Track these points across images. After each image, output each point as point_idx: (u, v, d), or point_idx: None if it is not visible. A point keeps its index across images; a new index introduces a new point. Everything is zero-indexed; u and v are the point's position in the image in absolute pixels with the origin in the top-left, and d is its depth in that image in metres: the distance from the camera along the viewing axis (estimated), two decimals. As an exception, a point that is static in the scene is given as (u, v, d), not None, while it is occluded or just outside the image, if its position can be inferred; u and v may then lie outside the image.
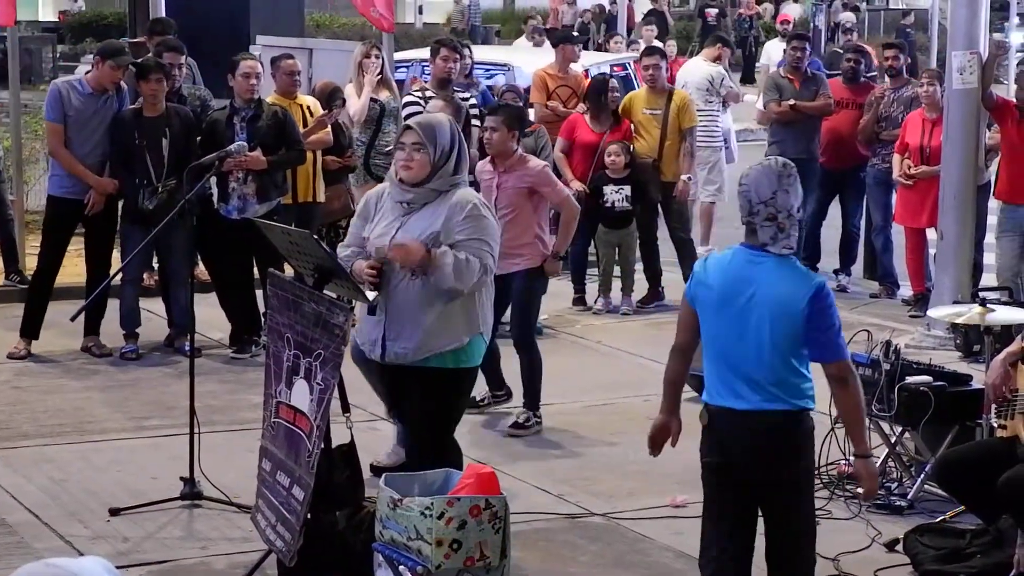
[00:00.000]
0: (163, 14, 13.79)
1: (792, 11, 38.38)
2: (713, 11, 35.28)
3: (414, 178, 6.83)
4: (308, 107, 11.51)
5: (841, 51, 18.80)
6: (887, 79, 13.66)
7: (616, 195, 12.39)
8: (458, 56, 11.81)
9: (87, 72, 11.01)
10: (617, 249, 12.60)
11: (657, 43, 18.72)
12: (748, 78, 30.14)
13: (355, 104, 11.97)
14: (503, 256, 8.26)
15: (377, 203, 7.02)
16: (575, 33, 16.36)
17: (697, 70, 15.24)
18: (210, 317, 10.93)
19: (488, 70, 14.81)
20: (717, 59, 15.32)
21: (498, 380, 9.75)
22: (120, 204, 10.97)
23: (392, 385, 7.11)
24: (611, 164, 12.35)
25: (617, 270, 12.68)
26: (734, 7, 39.35)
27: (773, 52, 20.74)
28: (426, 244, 6.72)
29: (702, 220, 15.05)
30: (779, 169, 5.75)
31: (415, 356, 6.83)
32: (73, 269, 11.28)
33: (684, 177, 12.74)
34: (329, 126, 11.48)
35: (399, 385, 7.03)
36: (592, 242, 12.72)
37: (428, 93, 11.23)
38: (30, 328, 10.83)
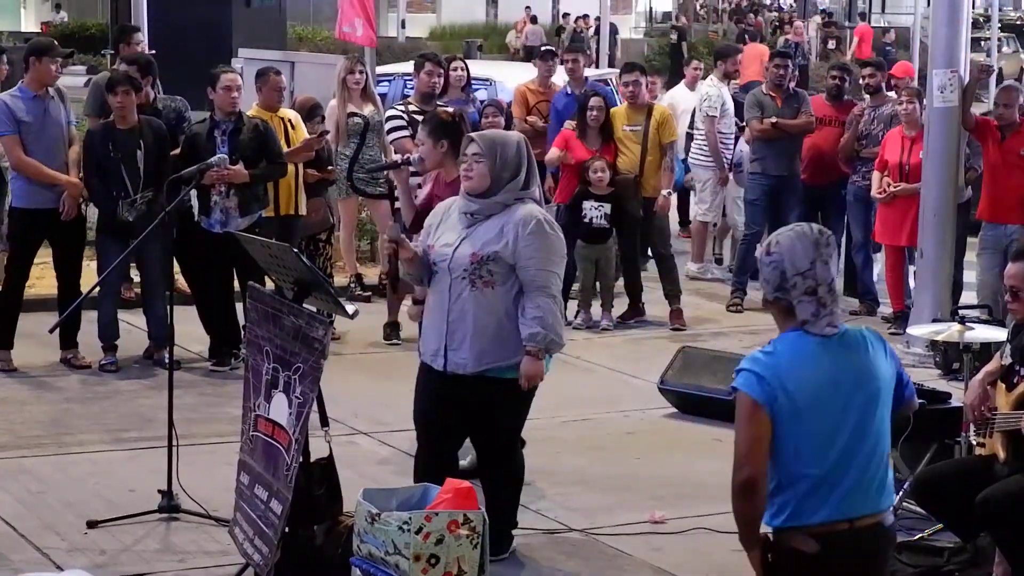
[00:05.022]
0: (145, 25, 13.77)
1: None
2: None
3: (475, 188, 7.01)
4: (290, 120, 11.49)
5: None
6: (867, 97, 13.67)
7: (595, 211, 12.35)
8: (442, 71, 11.79)
9: (22, 79, 10.89)
10: (596, 264, 12.56)
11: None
12: None
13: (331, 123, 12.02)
14: None
15: (444, 213, 7.18)
16: (548, 48, 16.36)
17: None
18: (190, 330, 10.90)
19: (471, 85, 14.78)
20: (725, 76, 15.14)
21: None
22: (88, 214, 10.93)
23: (450, 396, 7.13)
24: (596, 181, 12.33)
25: (598, 285, 12.66)
26: (780, 32, 39.21)
27: None
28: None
29: (695, 239, 15.05)
30: (815, 236, 4.89)
31: (475, 367, 7.00)
32: (53, 281, 11.22)
33: (664, 192, 12.72)
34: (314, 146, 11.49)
35: (458, 396, 7.10)
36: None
37: (412, 107, 11.22)
38: (3, 340, 10.79)
